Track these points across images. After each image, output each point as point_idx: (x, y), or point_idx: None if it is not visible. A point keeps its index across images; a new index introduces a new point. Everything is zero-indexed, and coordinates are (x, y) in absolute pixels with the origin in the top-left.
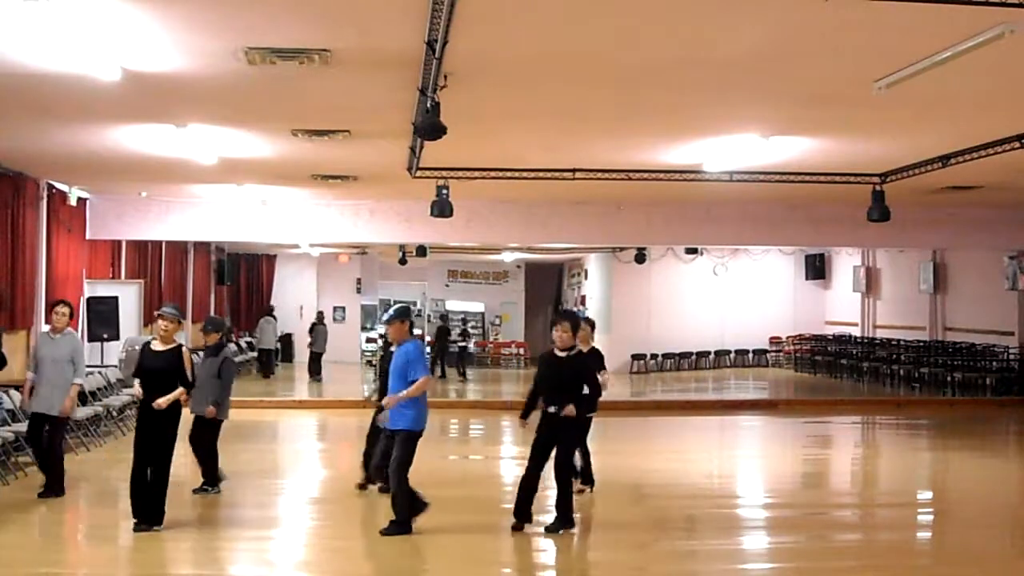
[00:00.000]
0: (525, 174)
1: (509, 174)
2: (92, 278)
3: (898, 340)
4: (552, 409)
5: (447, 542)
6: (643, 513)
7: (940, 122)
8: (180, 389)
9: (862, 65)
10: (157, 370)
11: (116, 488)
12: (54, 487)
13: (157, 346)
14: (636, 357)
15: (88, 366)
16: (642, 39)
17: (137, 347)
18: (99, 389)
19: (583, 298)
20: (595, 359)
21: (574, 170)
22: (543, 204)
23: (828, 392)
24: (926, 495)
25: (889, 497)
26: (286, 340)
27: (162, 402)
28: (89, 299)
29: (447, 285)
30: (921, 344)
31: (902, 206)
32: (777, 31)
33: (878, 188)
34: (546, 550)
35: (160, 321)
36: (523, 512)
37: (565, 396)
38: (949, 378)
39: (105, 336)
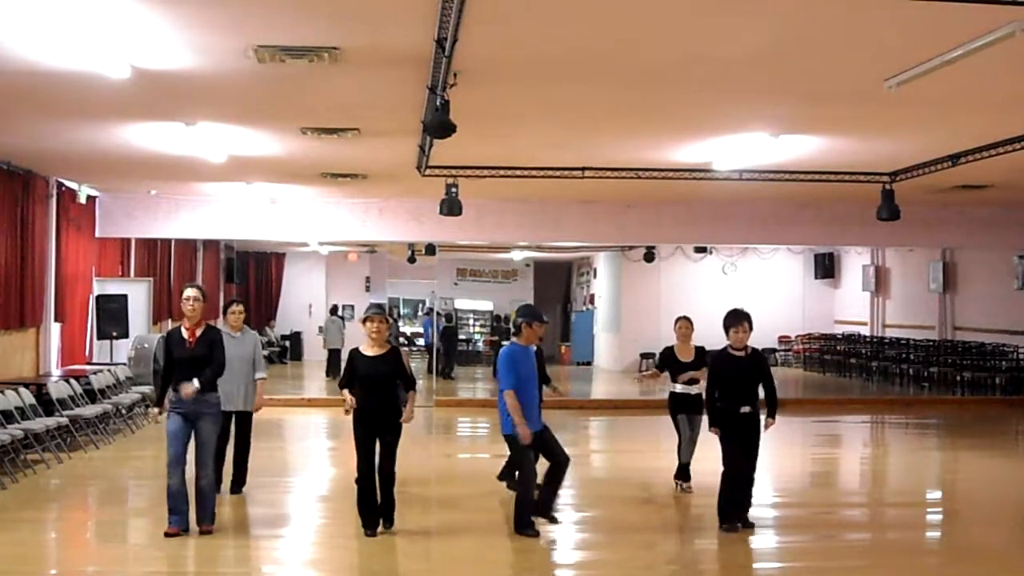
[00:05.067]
0: (534, 173)
1: (518, 173)
2: (101, 276)
3: (907, 339)
4: (746, 409)
5: (456, 541)
6: (652, 512)
7: (950, 121)
8: (412, 393)
9: (873, 63)
10: (378, 376)
11: (126, 486)
12: (243, 480)
13: (369, 351)
14: (645, 356)
15: (97, 364)
16: (652, 38)
17: (147, 344)
18: (108, 387)
19: (592, 297)
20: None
21: (583, 169)
22: (552, 203)
23: (837, 391)
24: (935, 495)
25: (898, 497)
26: (295, 338)
27: (410, 416)
28: (98, 297)
29: (456, 284)
30: (930, 343)
31: (912, 205)
32: (787, 29)
33: (888, 187)
34: (555, 549)
35: (371, 324)
36: (737, 514)
37: (753, 395)
38: (958, 378)
39: (115, 334)
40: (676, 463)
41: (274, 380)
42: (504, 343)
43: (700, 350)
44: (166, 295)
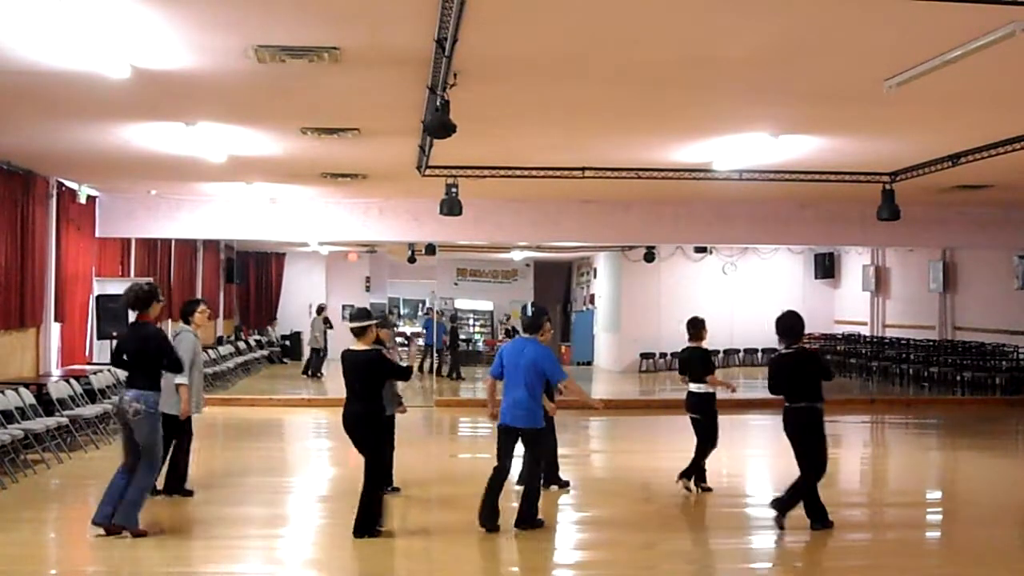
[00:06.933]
0: (534, 173)
1: (518, 172)
2: (101, 276)
3: (907, 339)
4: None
5: (456, 541)
6: (652, 512)
7: (950, 121)
8: None
9: (872, 64)
10: None
11: None
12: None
13: None
14: (645, 356)
15: (97, 364)
16: (652, 38)
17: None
18: (108, 387)
19: (592, 297)
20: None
21: (583, 168)
22: (552, 203)
23: (837, 391)
24: (935, 495)
25: (898, 496)
26: (295, 338)
27: None
28: (98, 297)
29: (456, 284)
30: (931, 343)
31: (912, 205)
32: (787, 29)
33: (888, 187)
34: (556, 549)
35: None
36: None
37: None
38: (959, 378)
39: (115, 334)
40: (676, 463)
41: (273, 380)
42: (504, 340)
43: None
44: (166, 295)
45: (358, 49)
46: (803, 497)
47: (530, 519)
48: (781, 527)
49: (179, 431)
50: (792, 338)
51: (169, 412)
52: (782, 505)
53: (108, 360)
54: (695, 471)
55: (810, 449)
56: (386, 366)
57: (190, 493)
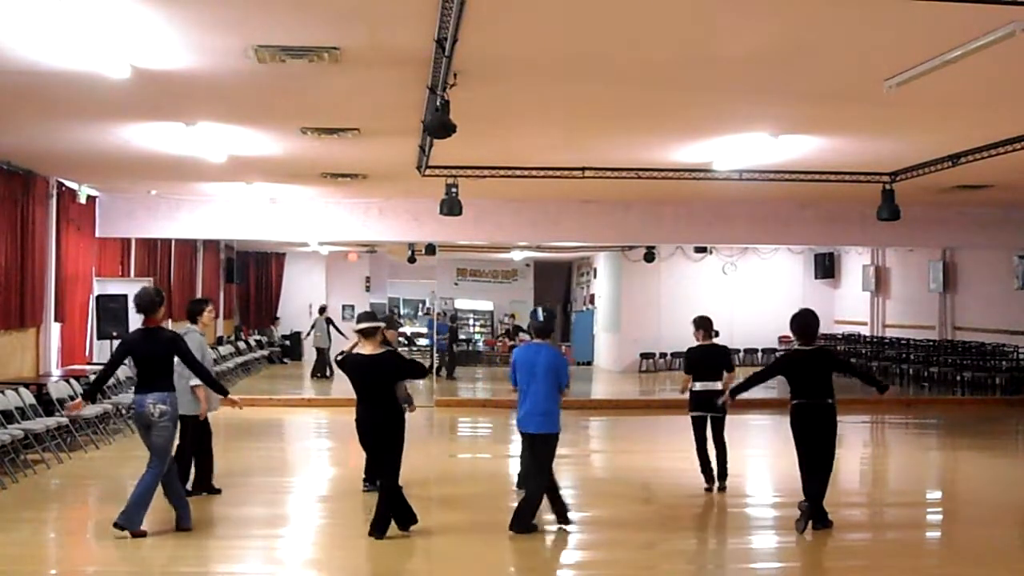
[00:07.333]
0: (534, 173)
1: (518, 173)
2: (101, 276)
3: (907, 339)
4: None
5: (456, 541)
6: (652, 512)
7: (950, 121)
8: None
9: (872, 64)
10: None
11: (126, 486)
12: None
13: None
14: (645, 356)
15: (97, 364)
16: (652, 38)
17: None
18: (108, 387)
19: (592, 297)
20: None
21: (583, 168)
22: (552, 203)
23: (837, 391)
24: (935, 495)
25: (898, 496)
26: (295, 338)
27: None
28: (98, 297)
29: (456, 284)
30: (930, 343)
31: (912, 205)
32: (787, 30)
33: (888, 187)
34: (555, 549)
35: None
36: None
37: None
38: (959, 378)
39: (115, 334)
40: (676, 463)
41: (274, 380)
42: (507, 341)
43: None
44: (166, 295)
45: (358, 49)
46: (820, 495)
47: (525, 523)
48: (801, 531)
49: (204, 431)
50: (808, 337)
51: (185, 413)
52: (812, 516)
53: (106, 363)
54: (722, 470)
55: (831, 447)
56: (401, 366)
57: (190, 493)
